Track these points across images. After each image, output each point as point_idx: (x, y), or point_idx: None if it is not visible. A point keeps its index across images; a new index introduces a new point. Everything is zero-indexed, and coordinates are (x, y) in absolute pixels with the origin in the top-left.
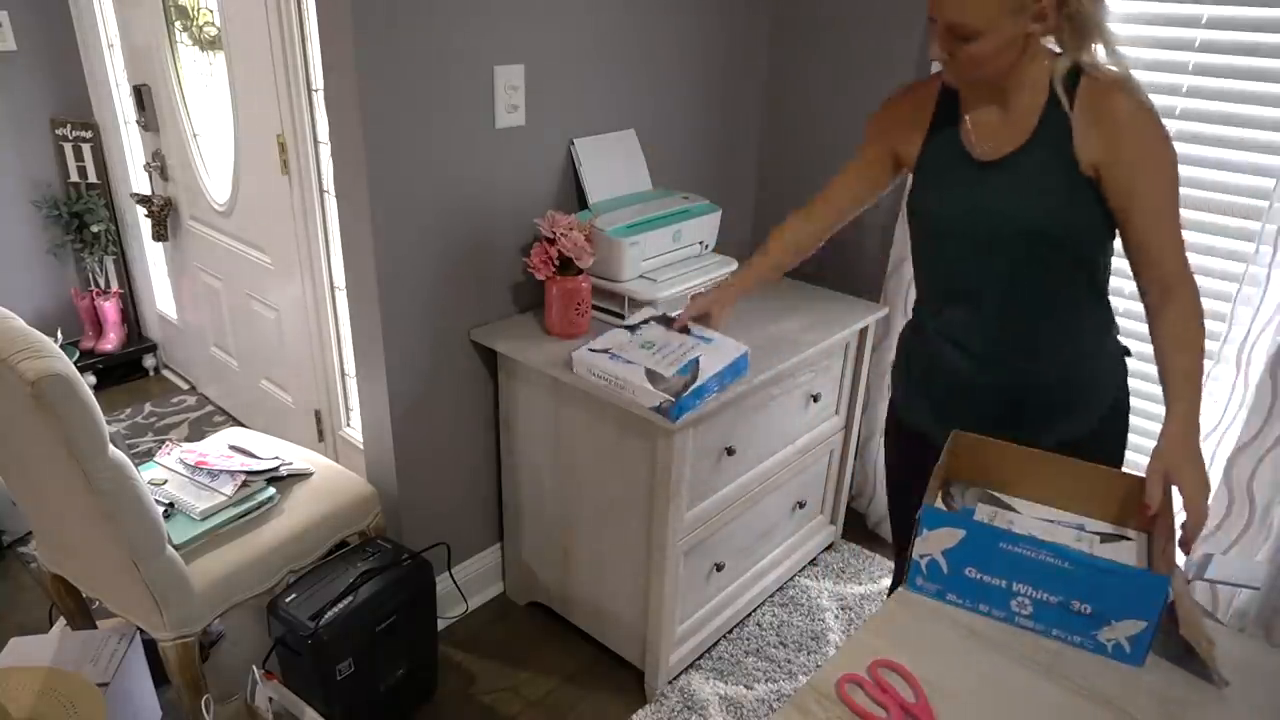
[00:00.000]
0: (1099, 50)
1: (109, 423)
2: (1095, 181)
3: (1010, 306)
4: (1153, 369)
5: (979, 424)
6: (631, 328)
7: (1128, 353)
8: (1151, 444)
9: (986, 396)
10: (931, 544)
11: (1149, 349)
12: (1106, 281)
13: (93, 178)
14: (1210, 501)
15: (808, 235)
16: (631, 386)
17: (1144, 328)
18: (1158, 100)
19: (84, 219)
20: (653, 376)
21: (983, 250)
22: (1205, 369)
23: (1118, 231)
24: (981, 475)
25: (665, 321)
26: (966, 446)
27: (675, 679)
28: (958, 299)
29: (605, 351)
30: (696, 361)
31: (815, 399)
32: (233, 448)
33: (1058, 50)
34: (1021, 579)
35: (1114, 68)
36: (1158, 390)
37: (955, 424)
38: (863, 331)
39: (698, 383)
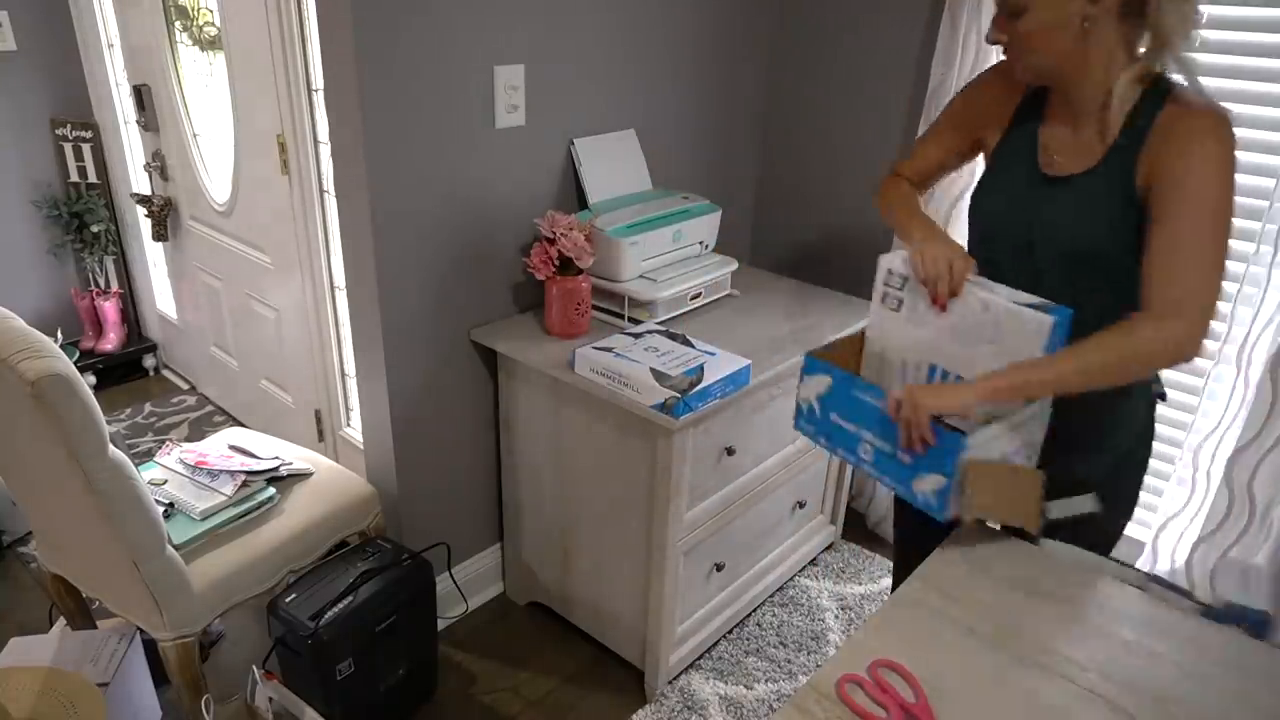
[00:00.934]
0: (1171, 57)
1: (109, 423)
2: (1144, 202)
3: None
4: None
5: None
6: (636, 335)
7: (1163, 396)
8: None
9: None
10: (808, 389)
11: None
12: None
13: (93, 178)
14: (916, 394)
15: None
16: (636, 383)
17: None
18: None
19: (84, 219)
20: (658, 375)
21: (1027, 265)
22: (1207, 371)
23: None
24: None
25: (670, 335)
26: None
27: (675, 679)
28: None
29: (609, 350)
30: (701, 367)
31: None
32: (233, 448)
33: (1140, 64)
34: (867, 426)
35: (1201, 97)
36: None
37: None
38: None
39: (702, 384)
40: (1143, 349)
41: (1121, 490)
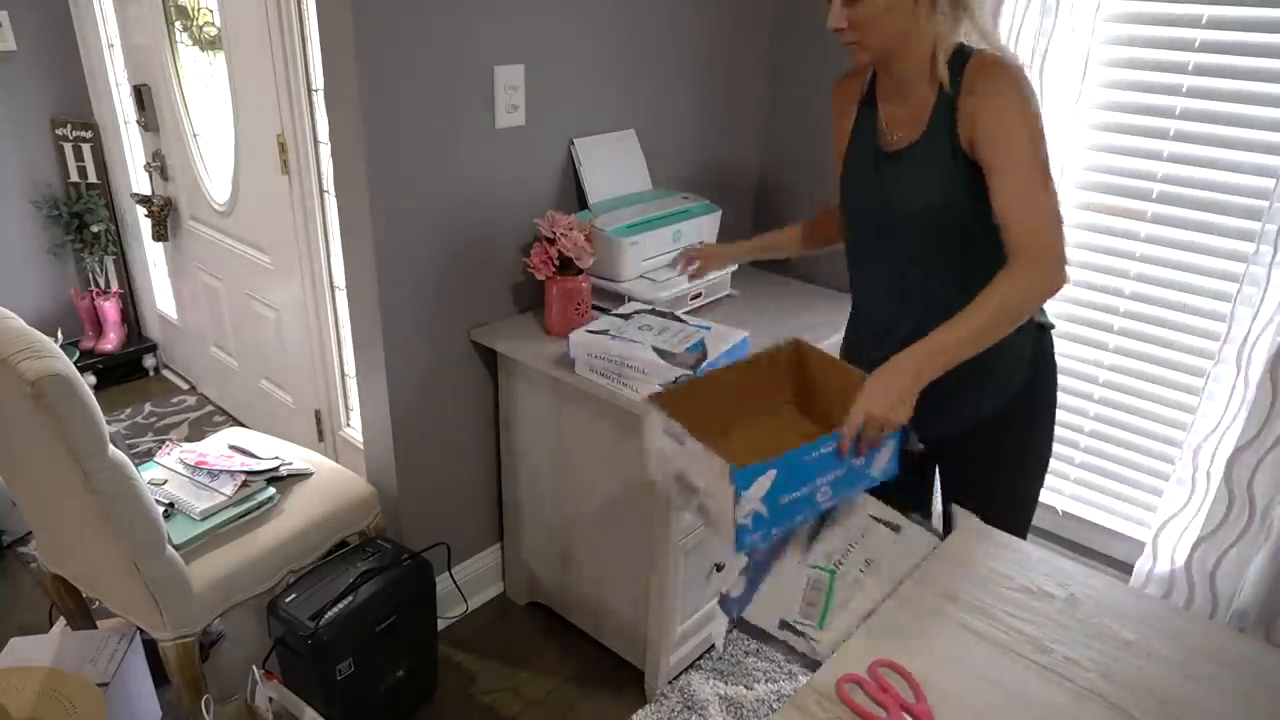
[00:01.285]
0: (980, 30)
1: (109, 423)
2: (973, 157)
3: (913, 291)
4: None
5: None
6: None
7: (1046, 328)
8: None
9: None
10: (751, 499)
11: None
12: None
13: (93, 178)
14: (875, 413)
15: (822, 224)
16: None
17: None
18: (1156, 100)
19: (84, 219)
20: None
21: (885, 238)
22: (1207, 370)
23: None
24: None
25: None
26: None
27: (675, 679)
28: (869, 287)
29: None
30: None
31: None
32: (233, 448)
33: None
34: (821, 473)
35: (993, 50)
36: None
37: None
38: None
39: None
40: (1015, 295)
41: (1025, 417)
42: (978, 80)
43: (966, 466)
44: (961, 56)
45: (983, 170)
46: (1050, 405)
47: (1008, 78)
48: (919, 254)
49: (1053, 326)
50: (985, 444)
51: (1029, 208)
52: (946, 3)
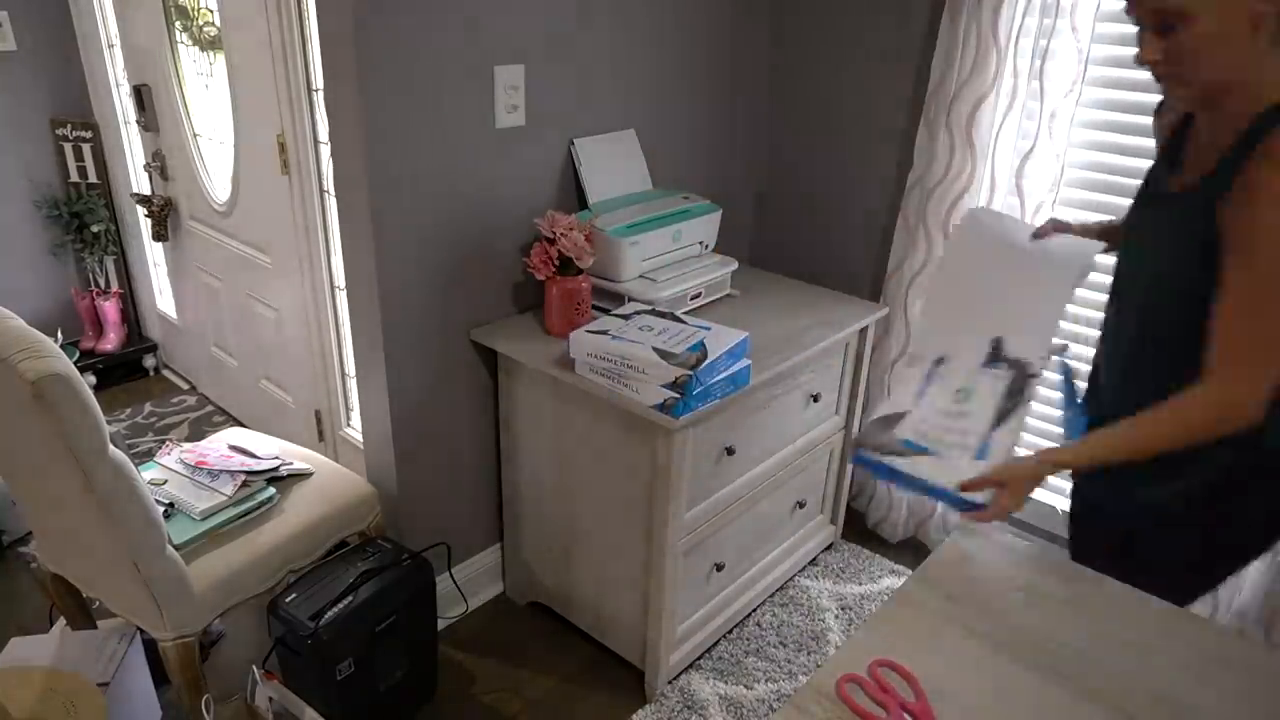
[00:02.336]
0: None
1: (109, 423)
2: (1219, 236)
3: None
4: None
5: None
6: (625, 316)
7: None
8: None
9: None
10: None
11: None
12: None
13: (93, 178)
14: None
15: None
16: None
17: None
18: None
19: (84, 219)
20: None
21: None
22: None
23: None
24: None
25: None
26: None
27: (675, 679)
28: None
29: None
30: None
31: (815, 399)
32: (233, 448)
33: None
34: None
35: None
36: None
37: None
38: (862, 331)
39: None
40: (1186, 409)
41: (1206, 516)
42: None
43: None
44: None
45: (1224, 250)
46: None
47: None
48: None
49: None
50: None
51: (1238, 337)
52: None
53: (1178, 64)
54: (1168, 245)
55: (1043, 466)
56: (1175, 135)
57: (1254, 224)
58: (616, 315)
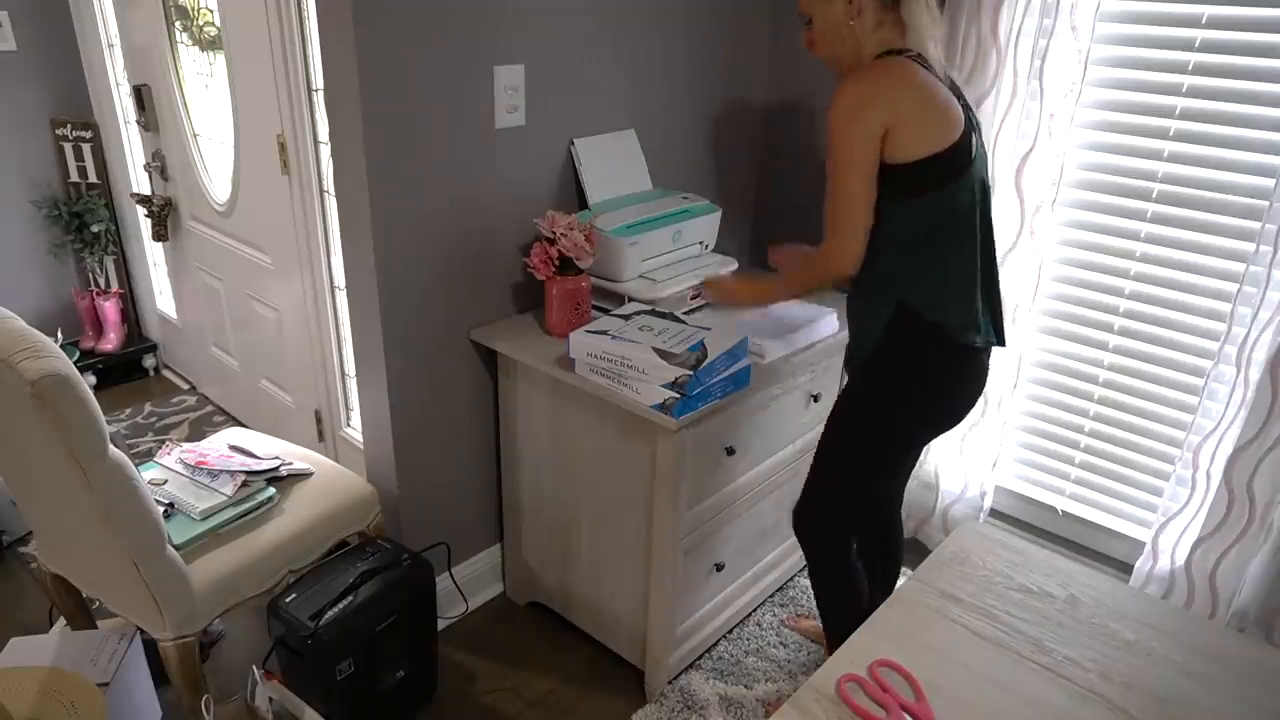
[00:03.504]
0: (917, 38)
1: (109, 423)
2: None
3: None
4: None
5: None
6: (625, 316)
7: (910, 309)
8: None
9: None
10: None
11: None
12: (885, 245)
13: (93, 178)
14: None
15: None
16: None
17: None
18: (1156, 100)
19: (84, 219)
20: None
21: None
22: (1207, 370)
23: (891, 196)
24: None
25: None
26: None
27: (675, 679)
28: None
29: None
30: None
31: (815, 399)
32: (233, 448)
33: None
34: None
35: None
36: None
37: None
38: None
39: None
40: (813, 264)
41: (862, 380)
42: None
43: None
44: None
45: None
46: (894, 387)
47: (842, 90)
48: None
49: (928, 317)
50: (846, 389)
51: (831, 209)
52: (870, 18)
53: (815, 45)
54: None
55: (742, 285)
56: None
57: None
58: (616, 315)
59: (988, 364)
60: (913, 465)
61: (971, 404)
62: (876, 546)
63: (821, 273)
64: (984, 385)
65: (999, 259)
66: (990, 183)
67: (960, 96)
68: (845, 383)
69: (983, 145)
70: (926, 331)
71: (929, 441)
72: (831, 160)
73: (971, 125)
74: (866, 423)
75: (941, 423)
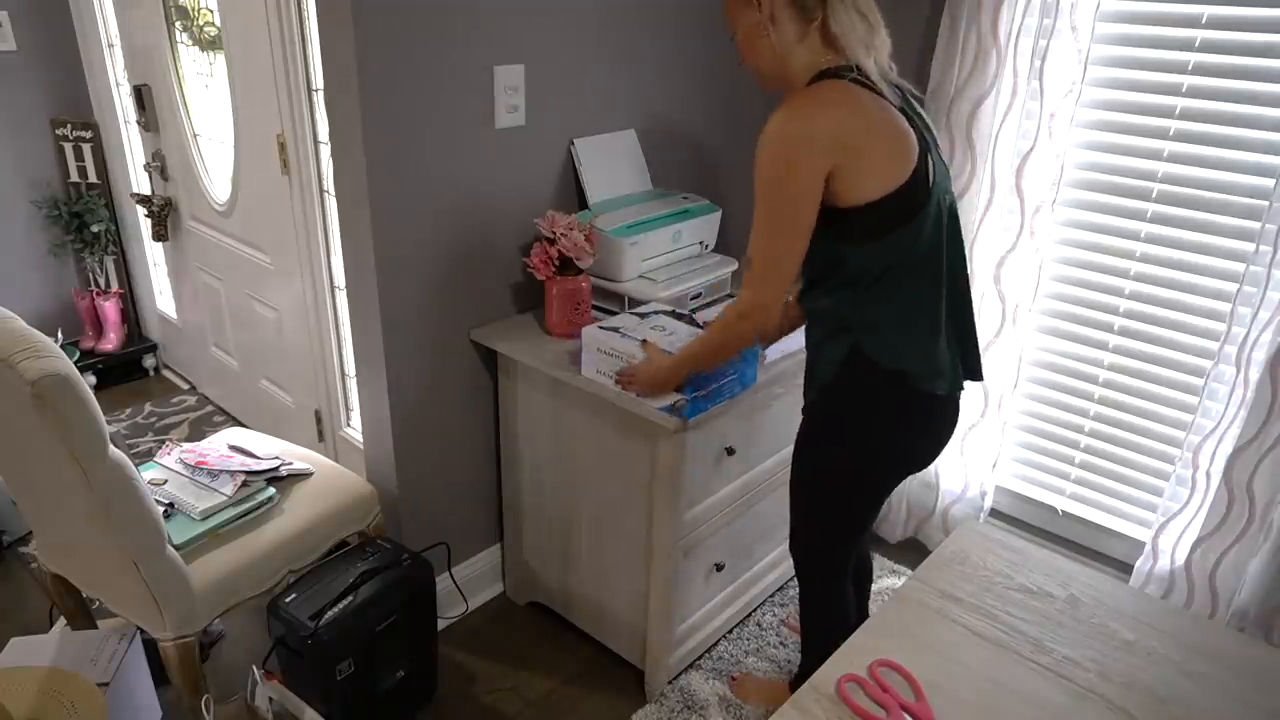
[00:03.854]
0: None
1: (109, 423)
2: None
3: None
4: None
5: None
6: (642, 315)
7: (861, 352)
8: None
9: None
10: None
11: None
12: (835, 287)
13: (93, 178)
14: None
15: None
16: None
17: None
18: (1156, 100)
19: (84, 219)
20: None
21: None
22: (1207, 370)
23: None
24: None
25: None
26: None
27: (675, 679)
28: None
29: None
30: None
31: None
32: (233, 448)
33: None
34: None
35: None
36: None
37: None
38: None
39: None
40: (728, 325)
41: (821, 421)
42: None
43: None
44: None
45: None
46: (851, 434)
47: (772, 125)
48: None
49: (883, 366)
50: (804, 426)
51: (756, 251)
52: (789, 29)
53: (742, 57)
54: None
55: (660, 365)
56: None
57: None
58: (633, 314)
59: (957, 409)
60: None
61: (940, 448)
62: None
63: (743, 332)
64: (953, 430)
65: (999, 260)
66: (955, 203)
67: (909, 106)
68: (801, 423)
69: (941, 161)
70: (885, 378)
71: (897, 485)
72: (761, 208)
73: (926, 145)
74: (825, 479)
75: (909, 468)
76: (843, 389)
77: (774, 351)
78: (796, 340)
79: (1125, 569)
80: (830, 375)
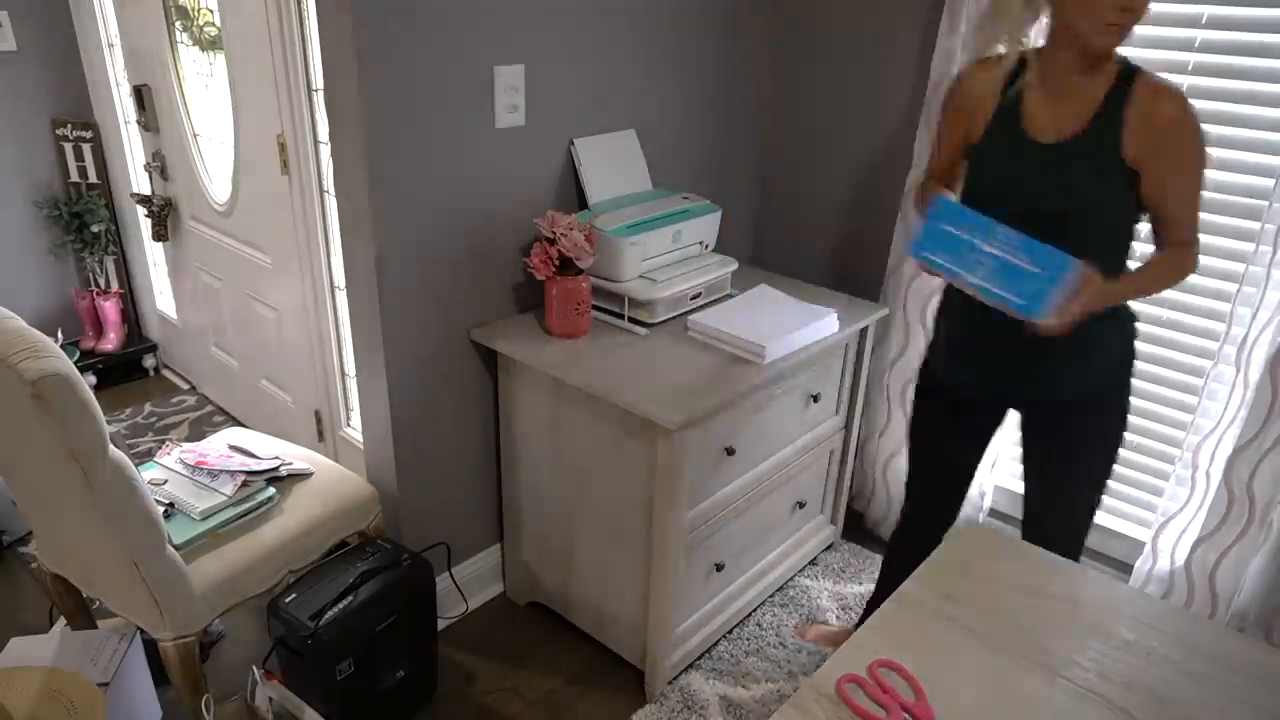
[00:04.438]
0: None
1: (109, 423)
2: (1133, 170)
3: None
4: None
5: (999, 374)
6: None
7: (1134, 318)
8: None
9: (1009, 348)
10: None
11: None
12: (1124, 254)
13: (93, 178)
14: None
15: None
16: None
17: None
18: None
19: (84, 219)
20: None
21: (1021, 221)
22: (1207, 370)
23: (1145, 207)
24: None
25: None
26: None
27: (675, 679)
28: None
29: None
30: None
31: (815, 399)
32: (233, 448)
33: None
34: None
35: (1158, 77)
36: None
37: (982, 374)
38: (863, 331)
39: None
40: (1171, 269)
41: (1116, 399)
42: (1163, 104)
43: (1062, 433)
44: (1127, 68)
45: (1145, 183)
46: (1129, 393)
47: (1188, 112)
48: (1067, 239)
49: (1136, 318)
50: (1082, 416)
51: (1196, 219)
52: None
53: (1139, 13)
54: (1097, 177)
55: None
56: (1003, 109)
57: (1162, 142)
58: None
59: None
60: None
61: None
62: None
63: (1175, 283)
64: None
65: None
66: None
67: None
68: (1085, 408)
69: None
70: (1134, 327)
71: None
72: (1195, 175)
73: None
74: (1119, 443)
75: None
76: (1131, 352)
77: (774, 351)
78: (797, 340)
79: (1125, 569)
80: (1128, 347)
